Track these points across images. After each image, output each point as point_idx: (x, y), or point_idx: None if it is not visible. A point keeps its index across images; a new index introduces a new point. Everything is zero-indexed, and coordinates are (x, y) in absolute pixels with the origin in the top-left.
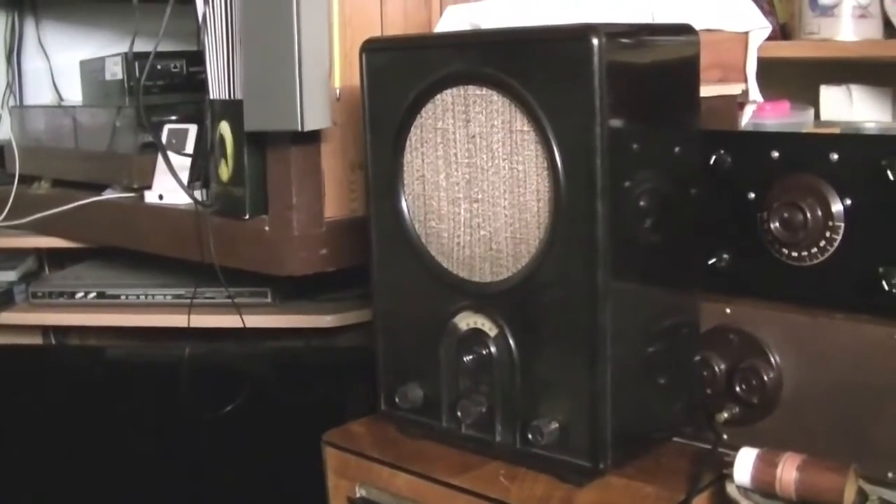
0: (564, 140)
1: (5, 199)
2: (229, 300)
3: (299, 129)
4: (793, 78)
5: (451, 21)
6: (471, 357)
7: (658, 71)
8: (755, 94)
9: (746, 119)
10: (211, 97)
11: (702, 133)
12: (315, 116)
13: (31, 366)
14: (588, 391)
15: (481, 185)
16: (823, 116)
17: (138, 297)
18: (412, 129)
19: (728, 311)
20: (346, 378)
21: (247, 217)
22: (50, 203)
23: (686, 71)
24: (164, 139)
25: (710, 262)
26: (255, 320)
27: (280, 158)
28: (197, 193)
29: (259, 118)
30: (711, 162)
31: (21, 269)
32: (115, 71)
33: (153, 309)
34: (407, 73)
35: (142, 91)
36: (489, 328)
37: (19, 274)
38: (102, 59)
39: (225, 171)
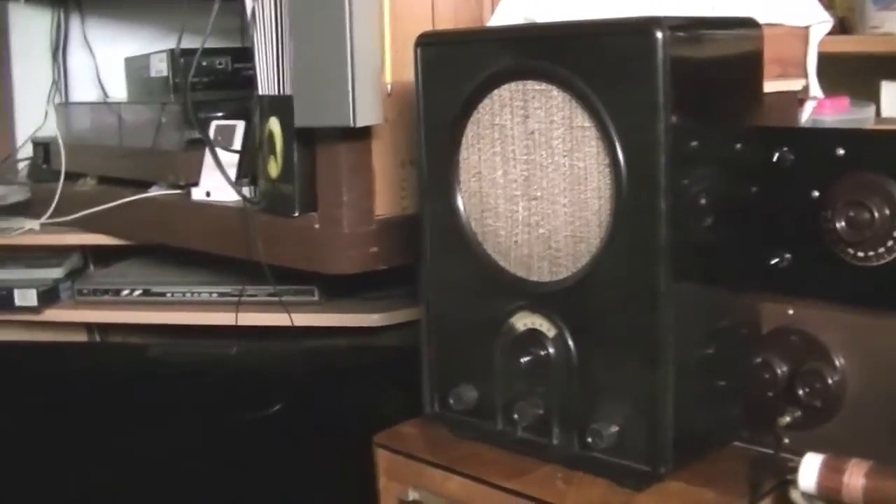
0: (626, 136)
1: (51, 197)
2: (276, 298)
3: (351, 124)
4: (853, 73)
5: (505, 15)
6: (528, 358)
7: (721, 65)
8: (815, 89)
9: (806, 116)
10: (259, 93)
11: (764, 129)
12: (367, 112)
13: (75, 362)
14: (648, 394)
15: (540, 183)
16: (885, 113)
17: (184, 294)
18: (468, 125)
19: (790, 312)
20: (391, 378)
21: (296, 214)
22: (95, 200)
23: (749, 65)
24: (211, 136)
25: (771, 262)
26: (301, 318)
27: (330, 155)
28: (245, 191)
29: (309, 114)
30: (774, 159)
31: (66, 265)
32: (160, 68)
33: (199, 307)
34: (463, 67)
35: (189, 87)
36: (547, 329)
37: (65, 271)
38: (147, 55)
39: (274, 168)
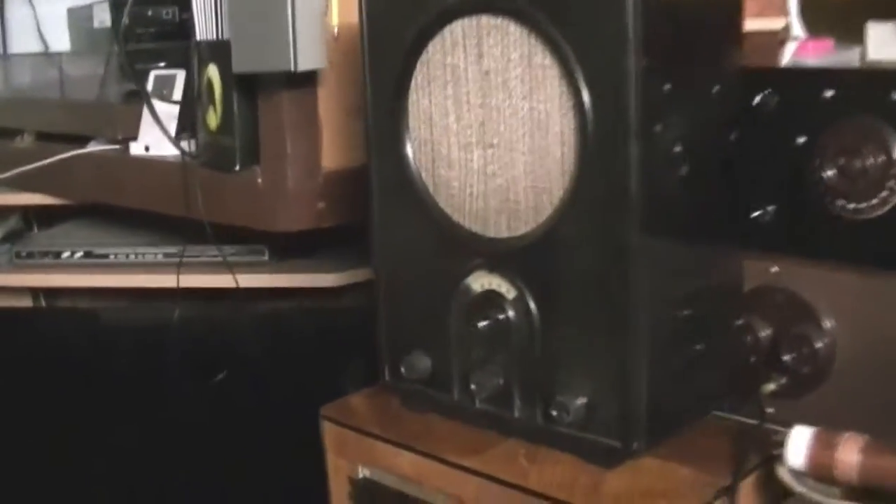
0: (592, 76)
1: None
2: (221, 258)
3: (292, 69)
4: (837, 14)
5: None
6: (486, 323)
7: (697, 0)
8: (797, 29)
9: (787, 58)
10: (197, 38)
11: (744, 70)
12: (309, 56)
13: (16, 329)
14: (618, 361)
15: (497, 129)
16: (870, 56)
17: (127, 256)
18: (418, 66)
19: (774, 270)
20: (348, 343)
21: (237, 169)
22: (32, 157)
23: (727, 2)
24: (150, 87)
25: (753, 216)
26: (250, 280)
27: (272, 104)
28: (185, 144)
29: (248, 59)
30: (755, 103)
31: (3, 227)
32: (103, 18)
33: (143, 268)
34: (411, 3)
35: (122, 35)
36: (506, 290)
37: (2, 233)
38: (90, 6)
39: (213, 120)
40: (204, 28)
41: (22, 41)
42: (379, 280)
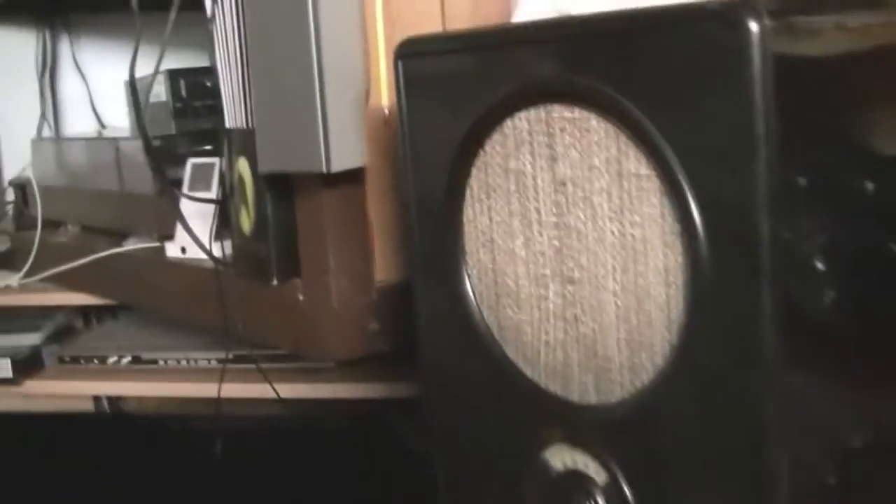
0: (705, 189)
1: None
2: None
3: (323, 170)
4: None
5: (532, 7)
6: None
7: (850, 68)
8: None
9: None
10: (227, 125)
11: None
12: (345, 152)
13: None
14: None
15: (577, 258)
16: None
17: (178, 361)
18: (473, 170)
19: None
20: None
21: (274, 283)
22: (74, 252)
23: (879, 65)
24: (188, 177)
25: None
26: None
27: (311, 206)
28: (218, 249)
29: (274, 156)
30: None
31: (47, 328)
32: (158, 91)
33: (194, 375)
34: (462, 87)
35: (145, 113)
36: (595, 471)
37: (45, 335)
38: (150, 76)
39: (246, 221)
40: (233, 112)
41: (77, 118)
42: (436, 432)
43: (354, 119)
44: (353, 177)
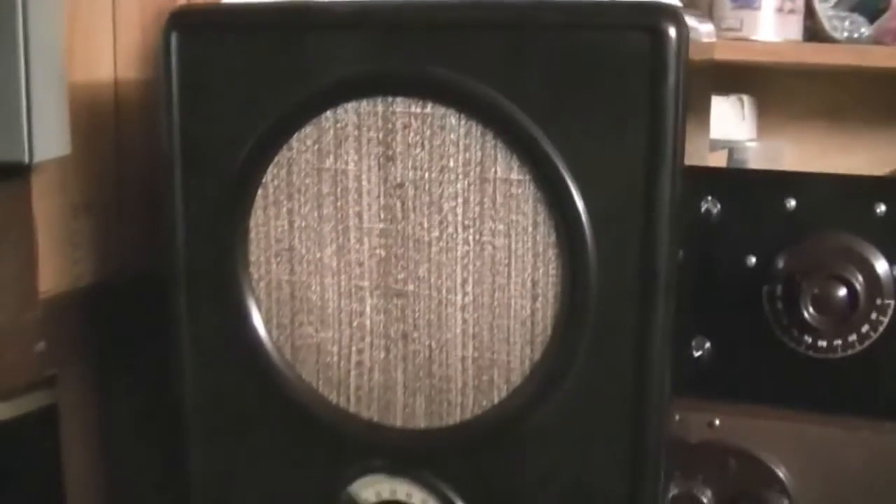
0: (600, 198)
1: None
2: None
3: (25, 160)
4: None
5: None
6: None
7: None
8: None
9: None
10: None
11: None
12: (49, 139)
13: None
14: None
15: (413, 269)
16: (713, 135)
17: None
18: (270, 168)
19: (716, 423)
20: None
21: None
22: None
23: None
24: None
25: (695, 355)
26: None
27: None
28: None
29: None
30: (702, 210)
31: None
32: None
33: None
34: (263, 69)
35: None
36: (421, 501)
37: None
38: None
39: None
40: None
41: None
42: (191, 480)
43: (58, 99)
44: (16, 171)
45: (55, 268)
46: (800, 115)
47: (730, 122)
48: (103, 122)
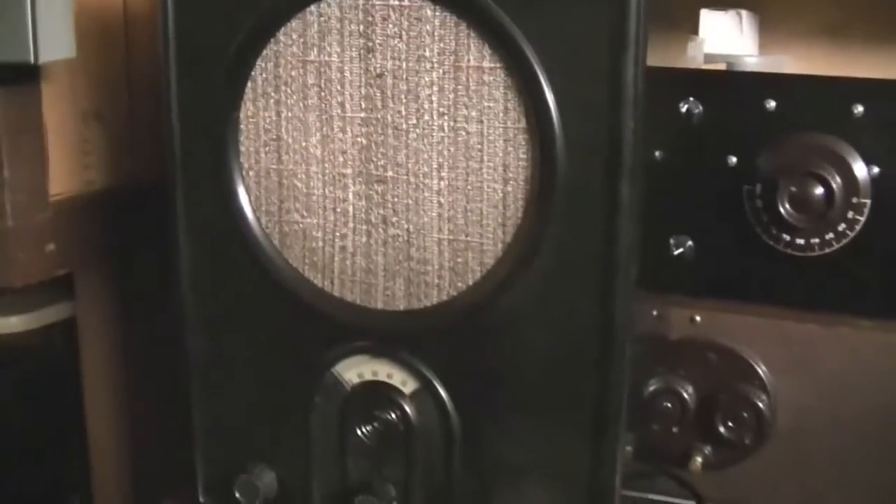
0: (566, 85)
1: None
2: None
3: (31, 60)
4: None
5: None
6: (371, 427)
7: None
8: None
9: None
10: None
11: (666, 72)
12: (54, 40)
13: None
14: (591, 469)
15: (392, 156)
16: (707, 49)
17: None
18: (258, 63)
19: (697, 319)
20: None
21: None
22: None
23: None
24: None
25: (674, 253)
26: None
27: None
28: None
29: None
30: (682, 111)
31: None
32: None
33: None
34: None
35: None
36: (402, 382)
37: None
38: None
39: None
40: None
41: None
42: (191, 362)
43: (64, 3)
44: (30, 73)
45: (66, 172)
46: (803, 31)
47: (727, 36)
48: (113, 30)
